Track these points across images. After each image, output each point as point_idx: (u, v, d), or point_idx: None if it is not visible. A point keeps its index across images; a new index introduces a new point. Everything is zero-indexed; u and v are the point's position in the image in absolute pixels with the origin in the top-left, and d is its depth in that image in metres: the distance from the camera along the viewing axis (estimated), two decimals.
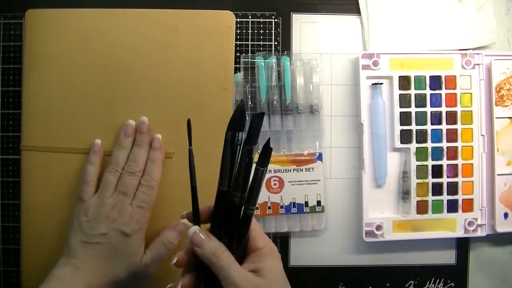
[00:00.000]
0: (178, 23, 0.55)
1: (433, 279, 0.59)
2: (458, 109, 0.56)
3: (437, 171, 0.56)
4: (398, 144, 0.56)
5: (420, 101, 0.56)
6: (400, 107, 0.56)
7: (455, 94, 0.56)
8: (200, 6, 0.56)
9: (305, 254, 0.58)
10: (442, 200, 0.56)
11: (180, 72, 0.55)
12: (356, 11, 0.58)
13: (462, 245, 0.59)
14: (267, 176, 0.55)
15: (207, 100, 0.55)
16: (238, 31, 0.58)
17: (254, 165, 0.36)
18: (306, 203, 0.55)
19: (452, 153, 0.56)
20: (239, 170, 0.36)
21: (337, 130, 0.58)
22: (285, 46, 0.58)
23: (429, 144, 0.56)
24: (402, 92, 0.56)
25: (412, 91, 0.56)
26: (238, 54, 0.57)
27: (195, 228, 0.37)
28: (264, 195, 0.55)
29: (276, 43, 0.58)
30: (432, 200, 0.56)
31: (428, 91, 0.56)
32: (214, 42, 0.55)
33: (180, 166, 0.53)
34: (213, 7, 0.56)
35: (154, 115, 0.54)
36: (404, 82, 0.56)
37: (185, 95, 0.55)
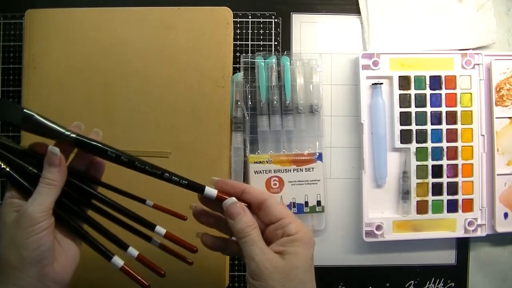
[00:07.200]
0: (176, 20, 0.55)
1: (433, 279, 0.59)
2: (458, 109, 0.56)
3: (437, 171, 0.56)
4: (398, 144, 0.56)
5: (420, 101, 0.56)
6: (400, 107, 0.56)
7: (455, 94, 0.56)
8: (200, 5, 0.56)
9: None
10: (442, 200, 0.56)
11: (177, 70, 0.55)
12: (356, 11, 0.58)
13: (462, 245, 0.59)
14: (267, 176, 0.55)
15: (203, 99, 0.55)
16: (238, 31, 0.58)
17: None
18: (306, 203, 0.55)
19: (452, 153, 0.56)
20: None
21: (337, 130, 0.58)
22: (285, 46, 0.58)
23: (429, 144, 0.56)
24: (402, 92, 0.56)
25: (412, 91, 0.56)
26: (238, 54, 0.57)
27: (234, 199, 0.37)
28: None
29: (276, 43, 0.58)
30: (432, 200, 0.56)
31: (428, 91, 0.56)
32: (211, 39, 0.55)
33: (177, 165, 0.53)
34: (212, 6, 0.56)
35: (152, 114, 0.54)
36: (404, 82, 0.56)
37: (182, 93, 0.55)
